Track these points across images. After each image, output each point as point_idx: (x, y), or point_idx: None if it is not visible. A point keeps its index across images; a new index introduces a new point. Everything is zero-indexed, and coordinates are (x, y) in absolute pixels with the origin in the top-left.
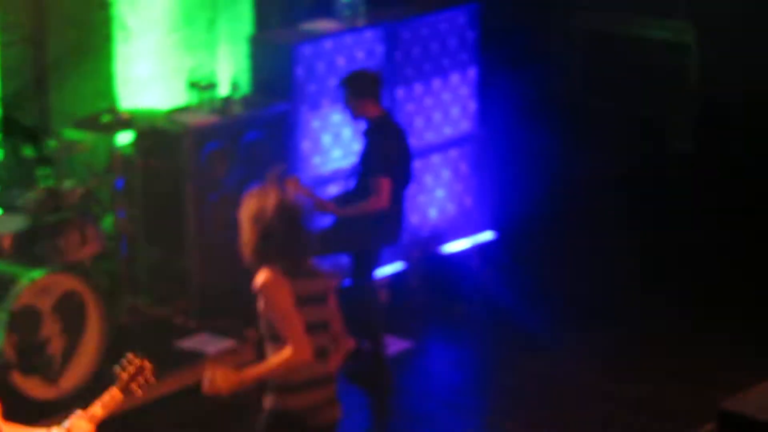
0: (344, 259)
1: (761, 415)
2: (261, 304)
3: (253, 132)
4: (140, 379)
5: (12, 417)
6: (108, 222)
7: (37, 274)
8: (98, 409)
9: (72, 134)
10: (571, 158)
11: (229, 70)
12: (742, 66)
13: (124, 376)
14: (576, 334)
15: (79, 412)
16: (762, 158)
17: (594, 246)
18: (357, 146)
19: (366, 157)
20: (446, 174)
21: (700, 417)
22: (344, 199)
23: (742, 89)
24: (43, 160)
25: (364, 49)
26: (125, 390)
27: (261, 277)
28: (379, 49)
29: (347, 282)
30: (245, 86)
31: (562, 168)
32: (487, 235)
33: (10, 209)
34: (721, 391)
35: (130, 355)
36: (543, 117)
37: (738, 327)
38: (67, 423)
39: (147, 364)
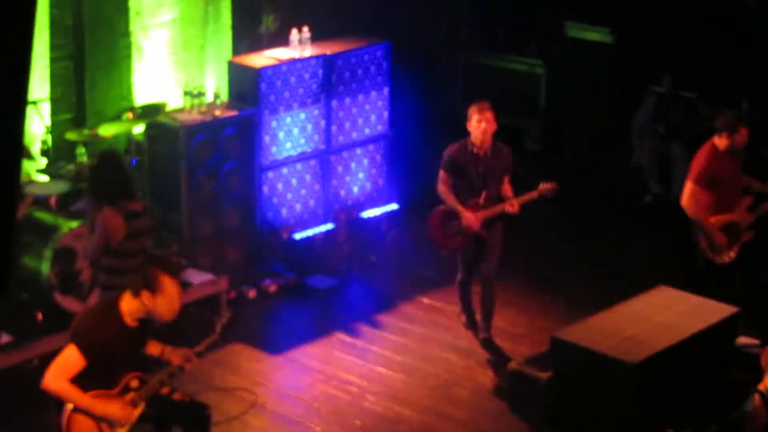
0: None
1: (582, 342)
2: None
3: (229, 128)
4: (231, 327)
5: (52, 324)
6: None
7: (74, 224)
8: (203, 349)
9: (101, 125)
10: None
11: (214, 83)
12: (576, 90)
13: (223, 326)
14: (451, 277)
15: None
16: (591, 155)
17: None
18: (302, 140)
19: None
20: (366, 162)
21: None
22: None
23: (577, 106)
24: (82, 143)
25: (309, 72)
26: (222, 335)
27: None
28: (320, 72)
29: None
30: (225, 95)
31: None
32: (393, 206)
33: (55, 177)
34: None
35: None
36: (434, 123)
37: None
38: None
39: (233, 316)
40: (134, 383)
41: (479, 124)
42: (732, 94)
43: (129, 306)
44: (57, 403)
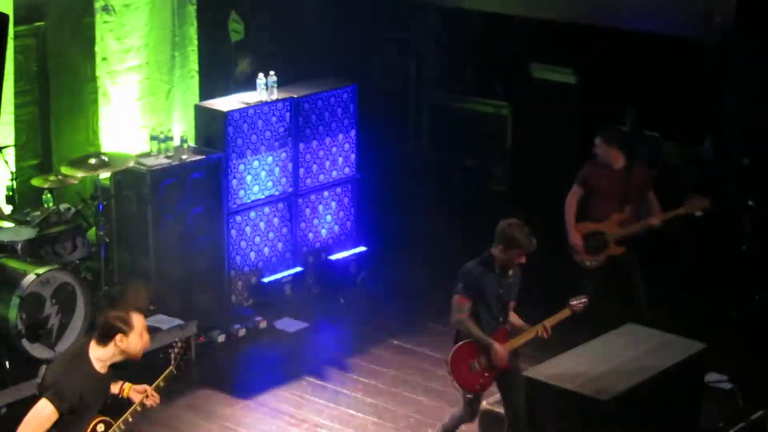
0: None
1: (553, 381)
2: None
3: (197, 172)
4: (185, 357)
5: (20, 372)
6: (92, 234)
7: (41, 270)
8: (161, 382)
9: (67, 170)
10: (419, 195)
11: (181, 128)
12: (542, 130)
13: (176, 357)
14: (421, 320)
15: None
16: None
17: (435, 253)
18: (270, 183)
19: None
20: (333, 204)
21: None
22: None
23: (543, 146)
24: (48, 189)
25: (276, 115)
26: (177, 367)
27: None
28: (287, 115)
29: None
30: (192, 140)
31: (414, 201)
32: (361, 248)
33: (22, 223)
34: None
35: (176, 342)
36: (404, 165)
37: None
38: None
39: (186, 345)
40: (100, 427)
41: None
42: (695, 132)
43: (98, 353)
44: None
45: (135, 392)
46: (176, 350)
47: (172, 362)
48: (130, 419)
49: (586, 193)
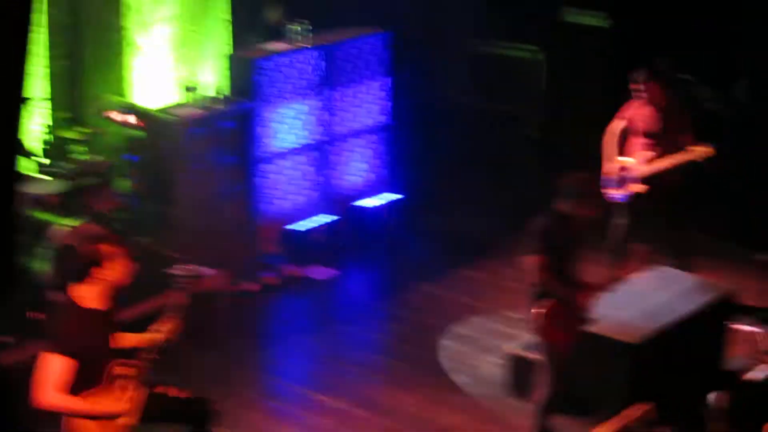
0: None
1: None
2: None
3: (228, 121)
4: (194, 286)
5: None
6: (125, 185)
7: (73, 222)
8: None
9: (101, 123)
10: (456, 142)
11: (213, 78)
12: (575, 77)
13: (186, 286)
14: (453, 266)
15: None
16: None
17: (469, 201)
18: (303, 131)
19: None
20: (368, 152)
21: None
22: None
23: (576, 92)
24: (80, 141)
25: (309, 64)
26: (187, 294)
27: None
28: (320, 64)
29: None
30: (225, 90)
31: (448, 150)
32: (394, 196)
33: (57, 176)
34: None
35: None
36: (437, 113)
37: None
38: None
39: (195, 273)
40: (118, 370)
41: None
42: (729, 75)
43: (82, 292)
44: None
45: (152, 332)
46: (184, 279)
47: (182, 291)
48: (151, 356)
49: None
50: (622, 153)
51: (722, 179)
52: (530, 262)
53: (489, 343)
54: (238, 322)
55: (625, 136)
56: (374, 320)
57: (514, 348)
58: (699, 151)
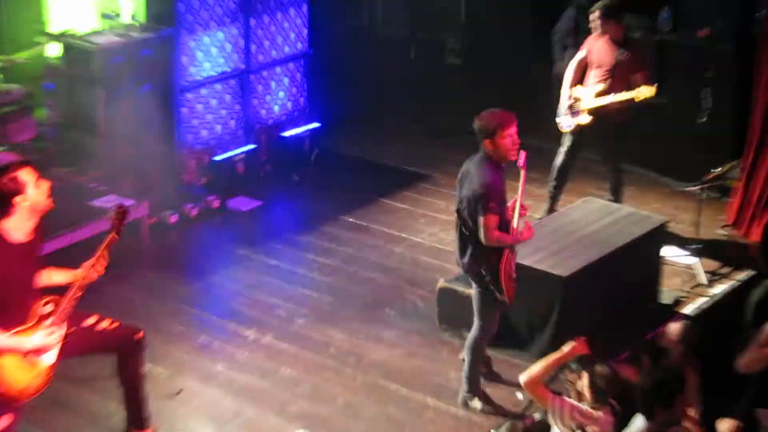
0: None
1: None
2: None
3: (147, 49)
4: (123, 222)
5: None
6: (42, 114)
7: None
8: (104, 250)
9: (15, 51)
10: (373, 70)
11: (131, 5)
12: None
13: (116, 222)
14: (376, 197)
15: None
16: (513, 67)
17: (390, 130)
18: (222, 60)
19: None
20: (286, 81)
21: None
22: None
23: (497, 20)
24: None
25: None
26: (118, 231)
27: None
28: None
29: None
30: (142, 17)
31: (368, 76)
32: (314, 125)
33: None
34: None
35: (115, 207)
36: (358, 42)
37: None
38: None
39: (125, 210)
40: (48, 307)
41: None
42: (654, 3)
43: (10, 224)
44: None
45: (83, 269)
46: (114, 216)
47: (112, 228)
48: (79, 293)
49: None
50: (580, 83)
51: (652, 112)
52: (489, 223)
53: (417, 276)
54: (161, 255)
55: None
56: (299, 253)
57: (444, 281)
58: (642, 92)
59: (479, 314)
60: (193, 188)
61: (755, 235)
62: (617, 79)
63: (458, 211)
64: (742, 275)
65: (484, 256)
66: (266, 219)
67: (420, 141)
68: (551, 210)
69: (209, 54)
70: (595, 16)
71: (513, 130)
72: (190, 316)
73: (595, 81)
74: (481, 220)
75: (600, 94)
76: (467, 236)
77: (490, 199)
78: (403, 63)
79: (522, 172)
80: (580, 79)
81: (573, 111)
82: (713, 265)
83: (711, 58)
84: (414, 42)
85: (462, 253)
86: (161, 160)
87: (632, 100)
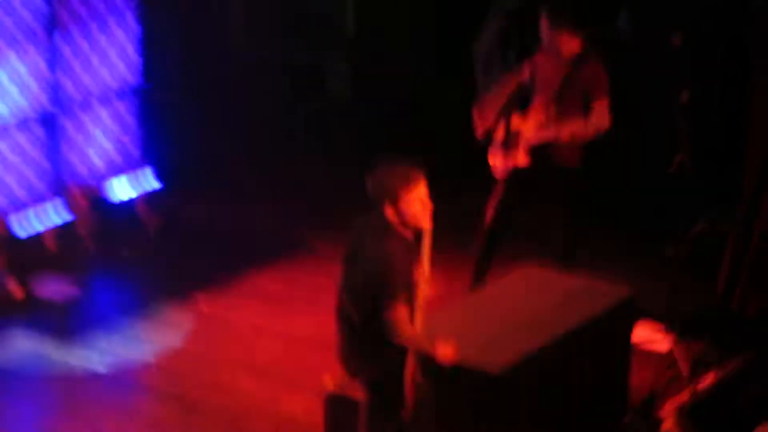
0: None
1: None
2: None
3: None
4: None
5: None
6: None
7: None
8: None
9: None
10: (232, 109)
11: None
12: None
13: None
14: (237, 275)
15: None
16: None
17: (253, 191)
18: (21, 99)
19: None
20: (111, 124)
21: None
22: None
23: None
24: None
25: (26, 6)
26: None
27: None
28: (42, 5)
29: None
30: None
31: (225, 117)
32: (152, 183)
33: None
34: None
35: None
36: (208, 71)
37: None
38: None
39: None
40: None
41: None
42: (607, 7)
43: None
44: None
45: None
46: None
47: None
48: None
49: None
50: (517, 112)
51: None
52: (399, 317)
53: (297, 379)
54: None
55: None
56: (135, 354)
57: (333, 384)
58: (593, 122)
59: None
60: None
61: (752, 308)
62: (564, 106)
63: (344, 297)
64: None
65: (380, 355)
66: (88, 313)
67: (293, 199)
68: (477, 282)
69: (3, 91)
70: (551, 26)
71: (422, 190)
72: None
73: (535, 109)
74: (387, 313)
75: (542, 127)
76: (358, 330)
77: (398, 285)
78: (271, 97)
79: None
80: (518, 105)
81: (508, 149)
82: (696, 349)
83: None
84: (284, 69)
85: (350, 350)
86: None
87: (585, 135)
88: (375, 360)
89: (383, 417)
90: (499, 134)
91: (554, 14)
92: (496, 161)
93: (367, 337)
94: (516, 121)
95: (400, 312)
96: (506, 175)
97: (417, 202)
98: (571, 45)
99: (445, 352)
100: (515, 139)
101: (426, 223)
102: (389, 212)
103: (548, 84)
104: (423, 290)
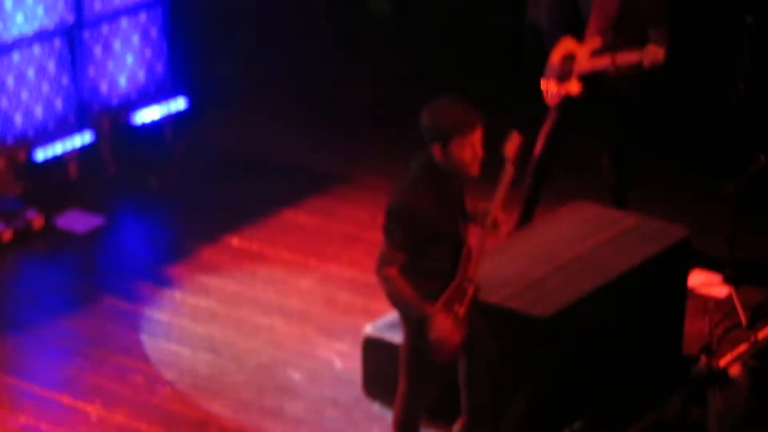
0: None
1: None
2: None
3: None
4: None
5: None
6: None
7: None
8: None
9: None
10: (263, 22)
11: None
12: None
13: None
14: (272, 208)
15: None
16: (464, 15)
17: (284, 112)
18: (40, 10)
19: None
20: (136, 40)
21: None
22: None
23: None
24: None
25: None
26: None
27: None
28: None
29: None
30: None
31: (256, 32)
32: (178, 103)
33: None
34: None
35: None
36: None
37: None
38: None
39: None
40: None
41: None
42: None
43: None
44: None
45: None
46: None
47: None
48: None
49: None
50: (572, 34)
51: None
52: (388, 255)
53: (332, 322)
54: None
55: (580, 7)
56: (162, 291)
57: (370, 328)
58: (649, 53)
59: (403, 369)
60: (5, 201)
61: None
62: (621, 32)
63: None
64: None
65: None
66: (112, 243)
67: (332, 126)
68: (525, 220)
69: (22, 1)
70: None
71: (476, 137)
72: (5, 388)
73: (591, 34)
74: (383, 245)
75: (597, 54)
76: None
77: (399, 226)
78: (307, 11)
79: (507, 168)
80: (571, 27)
81: (561, 75)
82: (757, 295)
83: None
84: None
85: None
86: None
87: (640, 64)
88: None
89: (414, 352)
90: (554, 58)
91: None
92: (549, 87)
93: (405, 273)
94: (570, 45)
95: (392, 253)
96: (558, 102)
97: (468, 148)
98: None
99: (439, 328)
100: (569, 64)
101: (473, 171)
102: (437, 152)
103: (605, 8)
104: (481, 237)
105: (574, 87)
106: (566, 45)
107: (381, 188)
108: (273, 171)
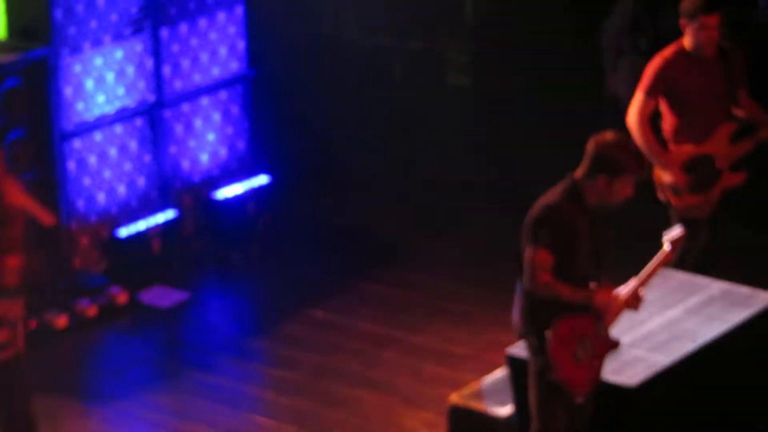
0: None
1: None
2: None
3: (11, 78)
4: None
5: None
6: None
7: None
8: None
9: None
10: (343, 96)
11: None
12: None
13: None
14: (354, 280)
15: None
16: (540, 89)
17: (365, 184)
18: (122, 90)
19: None
20: (217, 117)
21: None
22: None
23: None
24: None
25: None
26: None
27: None
28: None
29: None
30: (1, 31)
31: (336, 105)
32: (261, 179)
33: None
34: None
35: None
36: (314, 56)
37: None
38: None
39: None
40: None
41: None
42: None
43: None
44: None
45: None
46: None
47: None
48: None
49: (662, 102)
50: (676, 139)
51: None
52: (537, 258)
53: (417, 392)
54: (45, 372)
55: (671, 107)
56: (247, 364)
57: (457, 396)
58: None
59: (533, 403)
60: (89, 277)
61: None
62: (723, 112)
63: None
64: None
65: (530, 309)
66: (196, 318)
67: (415, 197)
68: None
69: (103, 82)
70: (701, 15)
71: (636, 177)
72: None
73: (706, 122)
74: (526, 252)
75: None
76: (523, 290)
77: (544, 227)
78: (385, 84)
79: (666, 248)
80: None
81: (707, 178)
82: None
83: None
84: (400, 54)
85: (518, 313)
86: (40, 237)
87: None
88: (525, 311)
89: (541, 384)
90: (672, 177)
91: (705, 7)
92: (694, 200)
93: (527, 298)
94: (685, 153)
95: (541, 256)
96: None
97: (629, 188)
98: (711, 36)
99: (602, 297)
100: (705, 168)
101: (616, 205)
102: (601, 182)
103: (714, 88)
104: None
105: (737, 178)
106: (677, 158)
107: (457, 259)
108: (354, 241)
